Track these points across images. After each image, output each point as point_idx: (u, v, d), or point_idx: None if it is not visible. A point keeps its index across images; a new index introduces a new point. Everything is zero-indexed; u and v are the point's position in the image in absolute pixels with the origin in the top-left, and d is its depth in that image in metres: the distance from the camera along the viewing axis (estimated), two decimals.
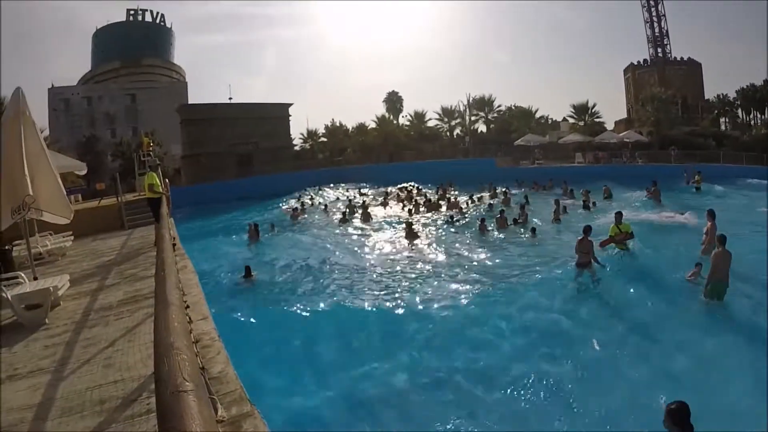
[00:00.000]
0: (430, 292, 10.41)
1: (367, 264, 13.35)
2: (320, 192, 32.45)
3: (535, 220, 17.54)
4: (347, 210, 21.67)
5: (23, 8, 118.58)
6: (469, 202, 22.66)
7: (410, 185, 30.73)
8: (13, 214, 5.62)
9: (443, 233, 16.79)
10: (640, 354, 7.18)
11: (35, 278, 6.21)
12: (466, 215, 19.77)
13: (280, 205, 26.27)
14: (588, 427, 5.55)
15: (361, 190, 31.42)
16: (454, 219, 18.55)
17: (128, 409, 3.11)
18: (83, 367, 3.92)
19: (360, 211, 20.81)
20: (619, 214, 11.26)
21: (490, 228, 16.52)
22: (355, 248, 15.37)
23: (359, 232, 17.92)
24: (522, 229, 16.38)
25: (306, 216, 22.14)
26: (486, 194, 24.58)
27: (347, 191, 31.57)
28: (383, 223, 19.42)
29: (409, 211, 20.31)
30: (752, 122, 58.90)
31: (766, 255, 9.56)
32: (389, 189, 29.34)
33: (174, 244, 6.83)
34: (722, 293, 8.18)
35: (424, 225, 18.31)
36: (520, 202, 19.86)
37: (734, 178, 26.78)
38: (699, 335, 7.53)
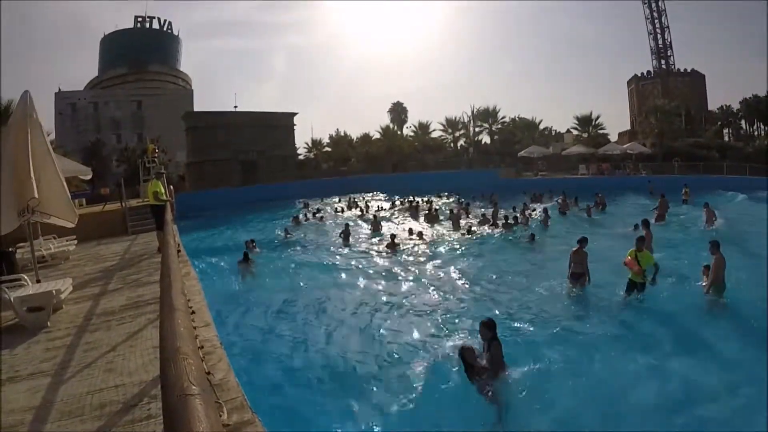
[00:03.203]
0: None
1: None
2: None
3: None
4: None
5: (32, 12, 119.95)
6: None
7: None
8: (19, 216, 5.64)
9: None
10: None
11: (38, 281, 6.20)
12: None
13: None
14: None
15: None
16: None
17: (128, 413, 3.08)
18: (84, 370, 3.89)
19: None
20: (640, 240, 9.47)
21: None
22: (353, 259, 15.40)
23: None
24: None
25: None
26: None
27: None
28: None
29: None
30: (755, 133, 58.92)
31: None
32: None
33: (178, 251, 6.83)
34: (722, 292, 8.86)
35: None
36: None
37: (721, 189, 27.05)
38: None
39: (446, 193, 30.90)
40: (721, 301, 8.82)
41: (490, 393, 5.88)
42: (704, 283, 9.40)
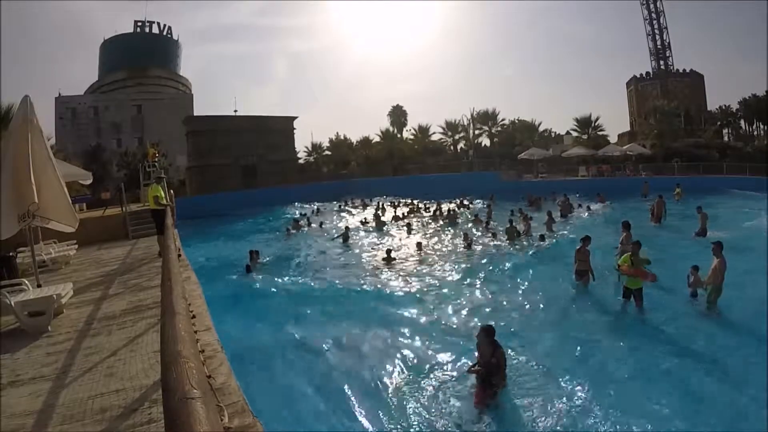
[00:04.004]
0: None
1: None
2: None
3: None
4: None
5: (33, 16, 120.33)
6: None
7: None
8: (20, 221, 5.65)
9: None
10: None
11: (39, 285, 6.21)
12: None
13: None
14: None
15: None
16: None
17: (129, 418, 3.09)
18: (85, 375, 3.90)
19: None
20: (636, 245, 9.32)
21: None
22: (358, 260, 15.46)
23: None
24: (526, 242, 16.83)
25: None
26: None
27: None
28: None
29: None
30: (755, 133, 58.88)
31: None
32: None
33: (179, 255, 6.83)
34: (718, 297, 8.80)
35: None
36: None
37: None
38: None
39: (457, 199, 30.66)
40: (715, 310, 8.80)
41: (488, 397, 6.11)
42: (692, 283, 9.41)
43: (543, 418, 5.87)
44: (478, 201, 28.64)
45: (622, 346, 7.89)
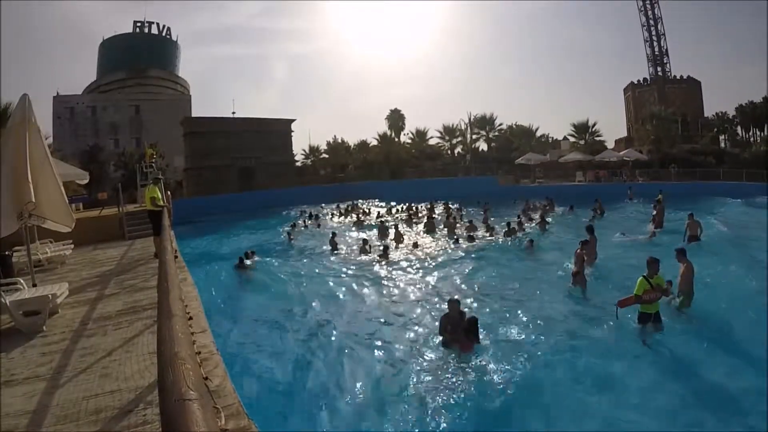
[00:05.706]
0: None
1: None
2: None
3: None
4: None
5: (32, 15, 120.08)
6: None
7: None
8: (18, 219, 5.63)
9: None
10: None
11: (34, 285, 6.19)
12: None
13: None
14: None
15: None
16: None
17: (124, 419, 3.07)
18: (80, 375, 3.88)
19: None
20: (654, 263, 7.72)
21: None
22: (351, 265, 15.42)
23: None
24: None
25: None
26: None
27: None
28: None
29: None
30: (751, 139, 59.12)
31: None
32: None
33: (175, 257, 6.82)
34: (689, 302, 8.72)
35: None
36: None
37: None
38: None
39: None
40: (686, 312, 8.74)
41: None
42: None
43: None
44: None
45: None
